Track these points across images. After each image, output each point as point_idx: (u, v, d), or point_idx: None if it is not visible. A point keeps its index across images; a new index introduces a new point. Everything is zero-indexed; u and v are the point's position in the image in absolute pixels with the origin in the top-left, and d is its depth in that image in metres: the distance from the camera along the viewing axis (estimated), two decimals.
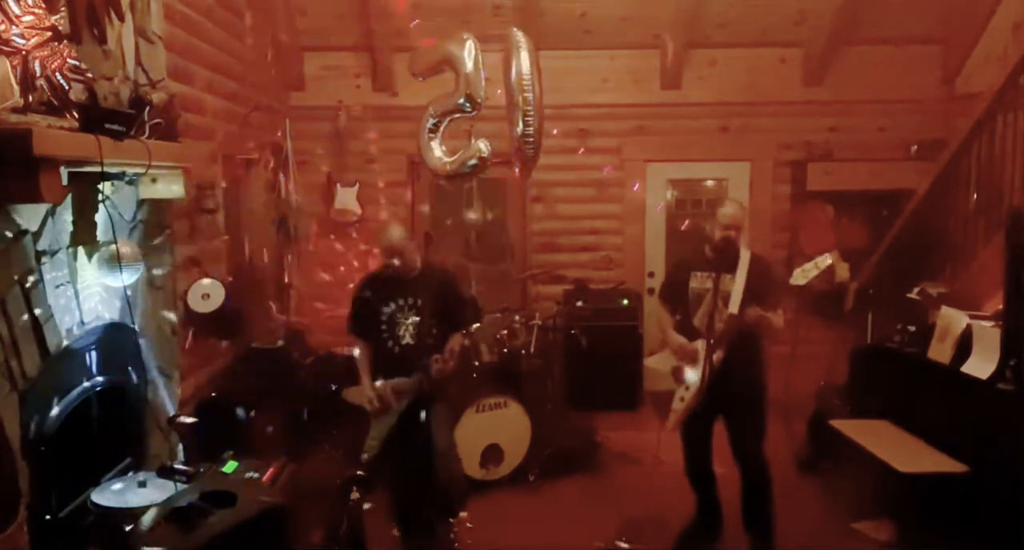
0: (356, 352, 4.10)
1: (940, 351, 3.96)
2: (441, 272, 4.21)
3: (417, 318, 3.94)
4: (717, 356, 3.67)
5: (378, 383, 3.92)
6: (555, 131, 6.10)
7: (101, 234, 2.95)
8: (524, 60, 4.45)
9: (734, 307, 3.66)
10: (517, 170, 4.68)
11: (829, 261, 3.54)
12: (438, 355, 3.83)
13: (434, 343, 3.92)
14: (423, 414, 3.89)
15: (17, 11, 2.20)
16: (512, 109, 4.36)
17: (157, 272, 3.56)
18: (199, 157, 3.46)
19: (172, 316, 3.77)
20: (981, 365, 3.64)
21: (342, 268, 6.51)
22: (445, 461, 3.92)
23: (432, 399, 3.93)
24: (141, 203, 3.35)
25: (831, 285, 4.44)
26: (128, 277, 3.01)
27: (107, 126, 2.46)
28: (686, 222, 6.68)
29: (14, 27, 2.19)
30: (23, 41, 2.21)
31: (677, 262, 4.00)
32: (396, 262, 3.92)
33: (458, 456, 4.16)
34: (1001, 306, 3.71)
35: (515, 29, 4.55)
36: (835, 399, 4.92)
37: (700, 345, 3.72)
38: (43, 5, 2.31)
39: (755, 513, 3.83)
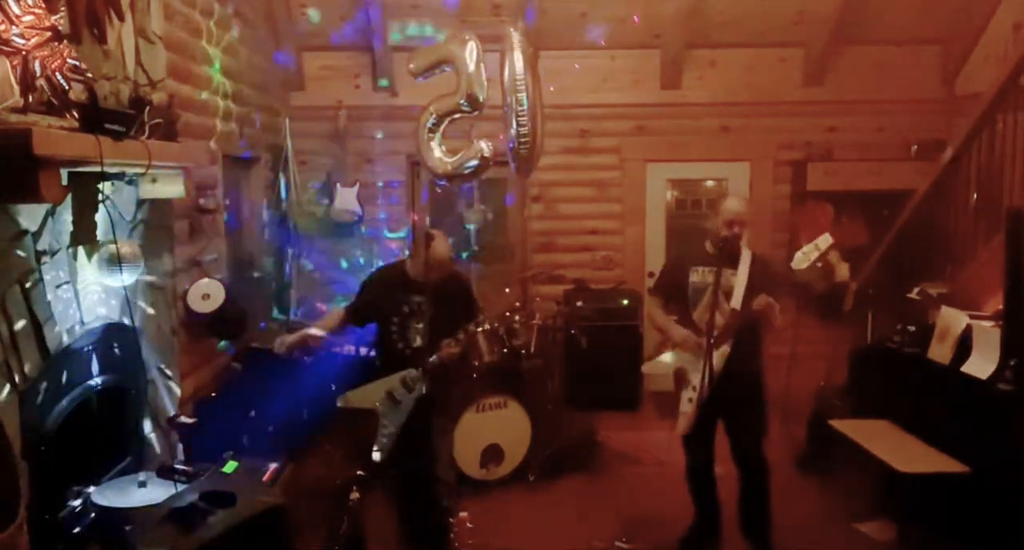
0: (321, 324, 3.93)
1: (940, 351, 3.96)
2: (457, 276, 4.10)
3: (429, 321, 3.80)
4: (723, 352, 3.62)
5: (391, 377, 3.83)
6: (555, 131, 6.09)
7: (101, 234, 2.95)
8: (517, 60, 4.43)
9: (736, 302, 3.60)
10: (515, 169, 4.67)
11: (830, 241, 3.46)
12: (448, 339, 3.71)
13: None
14: (425, 422, 3.82)
15: (17, 11, 2.20)
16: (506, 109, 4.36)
17: (157, 272, 3.56)
18: (199, 157, 3.46)
19: (172, 316, 3.77)
20: (981, 365, 3.64)
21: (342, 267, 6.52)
22: (443, 471, 3.91)
23: (433, 410, 3.85)
24: (141, 203, 3.35)
25: (831, 285, 4.42)
26: (128, 277, 3.01)
27: (107, 126, 2.46)
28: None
29: (14, 27, 2.18)
30: (23, 41, 2.21)
31: (676, 256, 3.88)
32: (433, 274, 3.80)
33: (452, 467, 4.15)
34: (1001, 306, 3.71)
35: (512, 29, 4.54)
36: (835, 399, 4.92)
37: (704, 341, 3.64)
38: (43, 5, 2.31)
39: (753, 515, 3.80)
